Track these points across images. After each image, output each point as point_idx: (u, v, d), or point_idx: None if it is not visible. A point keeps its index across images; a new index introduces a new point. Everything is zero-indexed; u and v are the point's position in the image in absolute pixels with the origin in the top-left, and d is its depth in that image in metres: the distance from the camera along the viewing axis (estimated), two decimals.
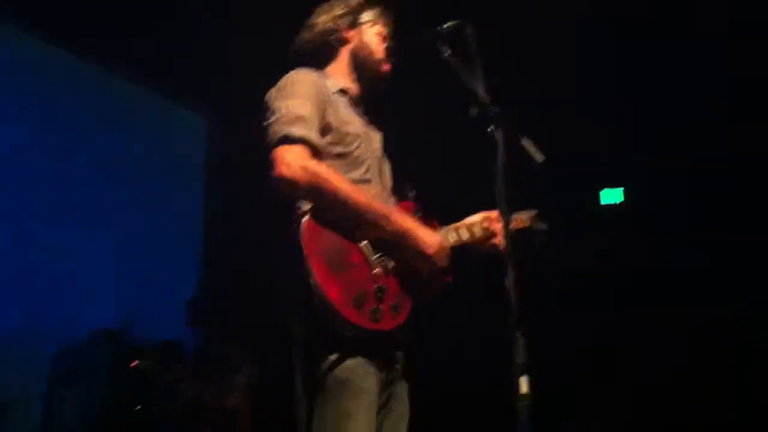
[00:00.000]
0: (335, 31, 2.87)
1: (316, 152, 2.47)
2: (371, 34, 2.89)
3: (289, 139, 2.43)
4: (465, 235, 2.76)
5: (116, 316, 5.06)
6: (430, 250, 2.52)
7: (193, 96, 6.82)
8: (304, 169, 2.39)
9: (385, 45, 2.90)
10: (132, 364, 4.57)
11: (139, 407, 4.61)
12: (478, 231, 2.80)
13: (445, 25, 2.66)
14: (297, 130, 2.45)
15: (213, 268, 6.61)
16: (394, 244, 2.50)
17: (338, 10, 2.90)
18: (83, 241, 5.82)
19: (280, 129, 2.46)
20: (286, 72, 2.72)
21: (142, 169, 6.42)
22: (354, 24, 2.89)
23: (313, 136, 2.48)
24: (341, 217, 2.44)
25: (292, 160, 2.40)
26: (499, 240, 2.79)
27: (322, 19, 2.90)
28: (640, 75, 6.11)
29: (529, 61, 5.99)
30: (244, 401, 4.73)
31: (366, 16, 2.91)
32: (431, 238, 2.54)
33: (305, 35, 2.91)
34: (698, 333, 5.61)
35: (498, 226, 2.79)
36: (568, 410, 5.78)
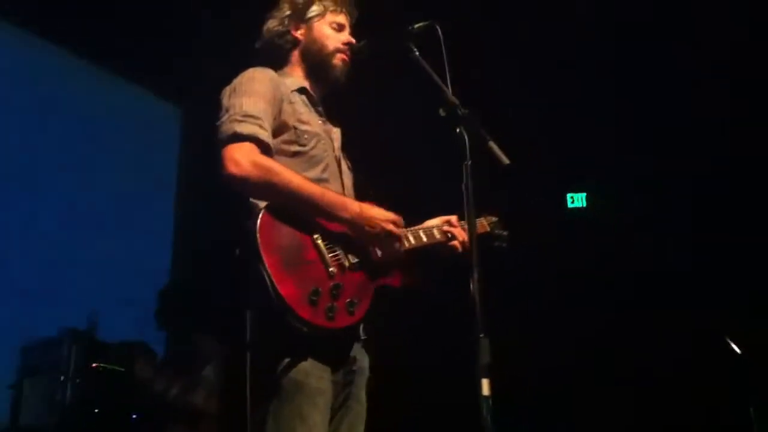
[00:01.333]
0: (284, 33, 2.85)
1: (266, 150, 2.46)
2: (321, 27, 2.85)
3: (237, 137, 2.42)
4: (424, 238, 2.73)
5: (83, 314, 5.02)
6: (388, 225, 2.50)
7: (167, 85, 6.80)
8: (254, 164, 2.38)
9: (339, 34, 2.86)
10: (93, 365, 4.57)
11: (135, 416, 4.62)
12: (437, 234, 2.79)
13: (416, 25, 2.66)
14: (245, 128, 2.43)
15: (184, 263, 6.60)
16: (351, 237, 2.49)
17: (286, 11, 2.87)
18: (54, 233, 5.81)
19: (229, 127, 2.45)
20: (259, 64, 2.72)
21: (115, 160, 6.40)
22: (302, 21, 2.85)
23: (262, 133, 2.46)
24: (295, 210, 2.42)
25: (240, 158, 2.38)
26: (457, 244, 2.79)
27: (271, 24, 2.87)
28: (635, 77, 6.14)
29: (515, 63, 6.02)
30: (210, 398, 4.70)
31: (313, 10, 2.86)
32: (387, 214, 2.52)
33: (259, 43, 2.89)
34: (697, 335, 5.63)
35: (456, 230, 2.78)
36: (567, 410, 5.80)
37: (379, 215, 2.51)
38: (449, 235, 2.79)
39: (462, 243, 2.77)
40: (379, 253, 2.54)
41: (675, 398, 5.78)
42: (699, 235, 5.99)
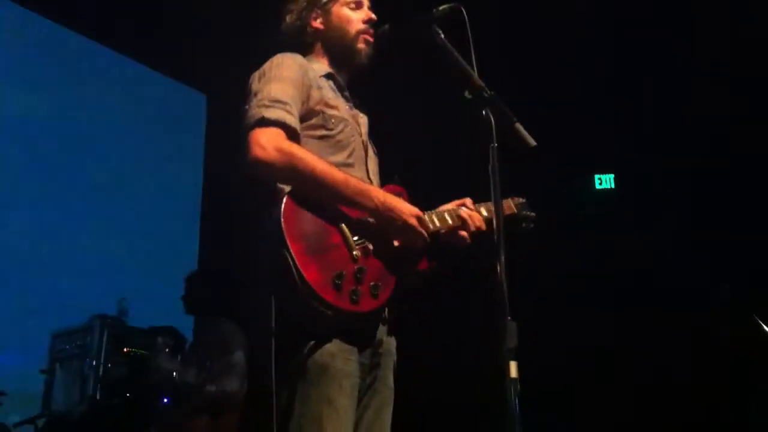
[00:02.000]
0: (304, 26, 2.82)
1: (293, 135, 2.45)
2: (339, 11, 2.81)
3: (264, 122, 2.41)
4: (449, 220, 2.67)
5: (114, 299, 5.08)
6: (399, 222, 2.47)
7: (193, 72, 6.84)
8: (279, 150, 2.37)
9: (359, 12, 2.82)
10: (125, 350, 4.62)
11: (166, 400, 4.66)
12: (449, 218, 2.69)
13: (440, 8, 2.64)
14: (273, 113, 2.43)
15: (212, 248, 6.65)
16: (374, 224, 2.48)
17: (302, 3, 2.82)
18: (84, 219, 5.88)
19: (256, 112, 2.44)
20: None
21: (143, 145, 6.46)
22: (319, 9, 2.81)
23: (290, 119, 2.46)
24: (320, 196, 2.42)
25: (266, 142, 2.38)
26: (465, 234, 2.69)
27: (289, 19, 2.84)
28: (639, 72, 6.10)
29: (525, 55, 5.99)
30: (244, 383, 4.73)
31: None
32: (404, 209, 2.49)
33: (281, 42, 2.84)
34: (697, 333, 5.60)
35: (469, 215, 2.70)
36: (566, 411, 5.79)
37: (404, 208, 2.49)
38: (462, 219, 2.69)
39: (472, 231, 2.69)
40: (399, 244, 2.52)
41: (675, 397, 5.76)
42: (700, 232, 5.92)
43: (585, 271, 6.10)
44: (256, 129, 2.41)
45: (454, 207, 2.75)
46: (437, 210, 2.71)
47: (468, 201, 2.77)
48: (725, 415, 5.43)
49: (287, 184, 2.43)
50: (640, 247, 6.05)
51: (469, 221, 2.69)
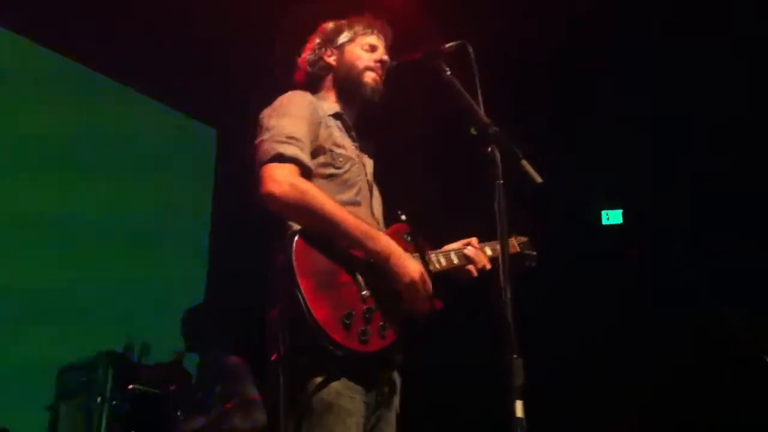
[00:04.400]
0: (317, 60, 2.87)
1: (306, 173, 2.48)
2: (352, 50, 2.86)
3: (280, 158, 2.44)
4: (455, 260, 2.75)
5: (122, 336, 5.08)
6: (406, 278, 2.47)
7: (203, 106, 6.89)
8: (293, 186, 2.40)
9: (372, 54, 2.87)
10: (129, 387, 4.60)
11: None
12: (455, 258, 2.77)
13: (447, 45, 2.66)
14: (289, 149, 2.46)
15: (219, 284, 6.65)
16: (379, 266, 2.48)
17: (317, 39, 2.91)
18: (92, 253, 5.89)
19: (272, 147, 2.47)
20: (291, 86, 2.76)
21: (152, 181, 6.48)
22: (334, 47, 2.87)
23: (304, 156, 2.49)
24: (329, 235, 2.43)
25: (281, 178, 2.40)
26: (472, 269, 2.77)
27: (305, 56, 2.91)
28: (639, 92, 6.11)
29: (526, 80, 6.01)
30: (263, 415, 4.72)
31: (344, 36, 2.88)
32: (410, 267, 2.49)
33: (295, 76, 2.92)
34: (699, 333, 5.58)
35: (475, 253, 2.77)
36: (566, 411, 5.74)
37: (409, 266, 2.49)
38: (468, 258, 2.78)
39: (479, 268, 2.77)
40: (403, 297, 2.51)
41: (677, 400, 5.73)
42: (704, 234, 5.92)
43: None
44: (272, 164, 2.44)
45: (460, 246, 2.80)
46: (442, 249, 2.75)
47: (474, 240, 2.81)
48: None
49: (297, 220, 2.45)
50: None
51: (476, 259, 2.75)
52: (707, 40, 5.65)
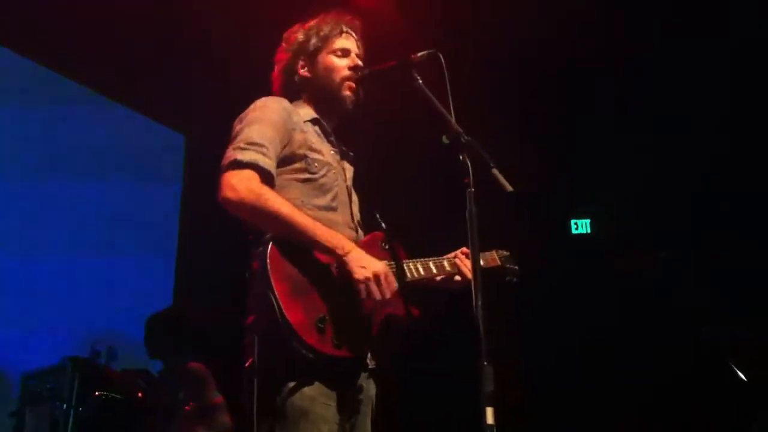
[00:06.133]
0: (292, 73, 2.86)
1: (267, 177, 2.48)
2: (325, 60, 2.84)
3: (237, 164, 2.45)
4: (433, 270, 2.77)
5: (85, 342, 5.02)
6: (359, 274, 2.42)
7: (172, 113, 6.84)
8: (249, 191, 2.41)
9: (345, 60, 2.84)
10: (96, 393, 4.57)
11: None
12: (447, 266, 2.82)
13: (419, 54, 2.68)
14: (246, 155, 2.47)
15: (187, 289, 6.60)
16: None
17: (290, 51, 2.87)
18: (57, 259, 5.82)
19: (231, 154, 2.49)
20: (267, 92, 2.77)
21: (120, 186, 6.43)
22: (306, 56, 2.85)
23: (263, 160, 2.48)
24: (287, 238, 2.42)
25: (236, 183, 2.42)
26: (459, 278, 2.83)
27: (279, 68, 2.90)
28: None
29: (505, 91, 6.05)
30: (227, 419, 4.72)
31: (314, 43, 2.85)
32: (368, 265, 2.44)
33: (273, 86, 2.91)
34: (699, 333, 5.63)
35: (465, 262, 2.81)
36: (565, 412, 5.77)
37: (367, 263, 2.45)
38: (456, 267, 2.82)
39: (467, 279, 2.80)
40: (362, 296, 2.46)
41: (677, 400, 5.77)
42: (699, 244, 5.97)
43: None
44: (229, 171, 2.45)
45: (450, 256, 2.85)
46: (423, 259, 2.77)
47: (465, 250, 2.83)
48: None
49: (255, 224, 2.48)
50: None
51: (464, 269, 2.80)
52: (707, 41, 5.69)
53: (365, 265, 2.44)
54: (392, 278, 2.50)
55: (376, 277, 2.44)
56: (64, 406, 4.61)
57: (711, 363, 5.21)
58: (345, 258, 2.44)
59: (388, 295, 2.46)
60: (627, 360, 5.89)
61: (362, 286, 2.43)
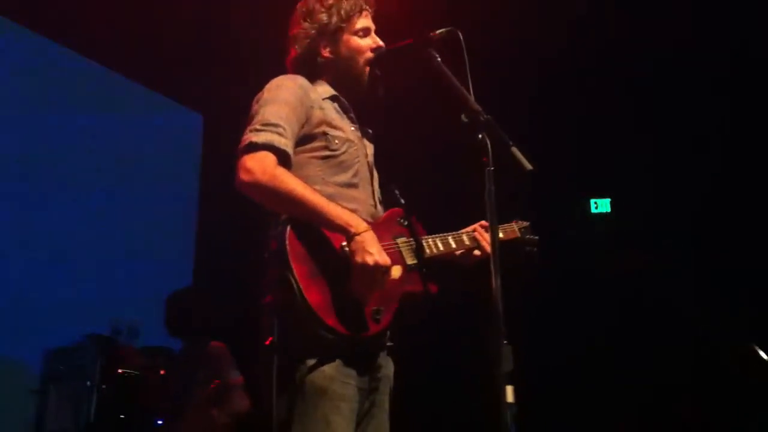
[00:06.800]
0: (314, 55, 2.78)
1: (283, 157, 2.45)
2: (348, 41, 2.78)
3: (252, 147, 2.43)
4: (453, 245, 2.74)
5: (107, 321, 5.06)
6: (359, 258, 2.35)
7: (191, 93, 6.86)
8: (263, 172, 2.39)
9: (366, 41, 2.80)
10: (119, 371, 4.61)
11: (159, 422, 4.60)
12: (466, 240, 2.79)
13: (437, 31, 2.65)
14: (261, 137, 2.44)
15: (206, 269, 6.64)
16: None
17: (311, 31, 2.78)
18: (81, 239, 5.87)
19: (246, 137, 2.46)
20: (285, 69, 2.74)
21: (138, 166, 6.47)
22: (328, 38, 2.78)
23: (279, 140, 2.45)
24: (303, 219, 2.41)
25: (252, 166, 2.40)
26: (478, 252, 2.81)
27: (299, 47, 2.80)
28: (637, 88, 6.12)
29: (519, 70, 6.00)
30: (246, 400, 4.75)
31: (335, 22, 2.77)
32: (371, 250, 2.36)
33: (291, 65, 2.84)
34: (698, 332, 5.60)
35: (484, 236, 2.79)
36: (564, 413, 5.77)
37: (372, 250, 2.38)
38: (475, 241, 2.80)
39: (486, 252, 2.77)
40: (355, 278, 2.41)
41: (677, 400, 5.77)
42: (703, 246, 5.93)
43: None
44: (245, 154, 2.43)
45: (469, 229, 2.82)
46: (442, 235, 2.74)
47: (484, 223, 2.80)
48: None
49: (270, 206, 2.47)
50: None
51: (483, 242, 2.78)
52: (706, 40, 5.66)
53: (373, 251, 2.38)
54: (389, 277, 2.45)
55: (377, 267, 2.38)
56: (88, 383, 4.67)
57: (711, 363, 5.21)
58: (355, 237, 2.39)
59: (375, 291, 2.42)
60: (627, 360, 5.88)
61: (358, 269, 2.38)
